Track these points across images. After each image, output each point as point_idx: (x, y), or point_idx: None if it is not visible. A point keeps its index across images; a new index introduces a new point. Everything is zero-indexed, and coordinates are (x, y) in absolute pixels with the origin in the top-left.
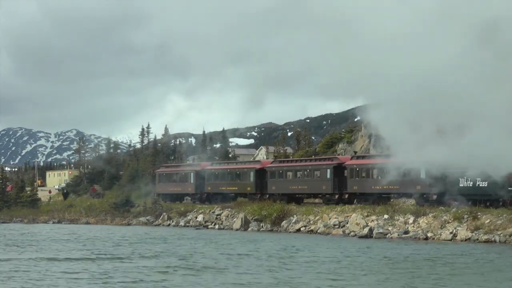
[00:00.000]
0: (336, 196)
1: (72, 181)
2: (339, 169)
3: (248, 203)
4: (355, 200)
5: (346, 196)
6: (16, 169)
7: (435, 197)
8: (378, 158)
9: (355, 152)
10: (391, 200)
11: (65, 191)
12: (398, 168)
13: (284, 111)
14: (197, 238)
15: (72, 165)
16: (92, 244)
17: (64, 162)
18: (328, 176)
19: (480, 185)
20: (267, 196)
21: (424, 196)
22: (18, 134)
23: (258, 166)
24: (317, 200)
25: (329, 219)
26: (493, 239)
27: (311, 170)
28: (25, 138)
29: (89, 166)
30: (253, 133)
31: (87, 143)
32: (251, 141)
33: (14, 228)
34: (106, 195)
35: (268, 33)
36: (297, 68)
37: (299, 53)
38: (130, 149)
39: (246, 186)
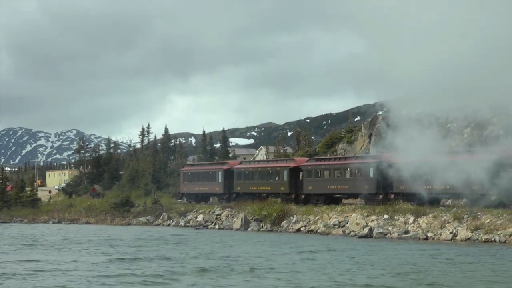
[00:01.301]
0: (380, 197)
1: (72, 181)
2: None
3: (249, 203)
4: (401, 201)
5: (392, 196)
6: (16, 169)
7: (493, 197)
8: (429, 156)
9: None
10: (442, 200)
11: (70, 191)
12: (452, 167)
13: (284, 111)
14: (222, 240)
15: (72, 165)
16: (126, 246)
17: (64, 162)
18: (371, 175)
19: None
20: (303, 196)
21: (482, 196)
22: (18, 134)
23: (292, 164)
24: (358, 201)
25: (329, 219)
26: (493, 239)
27: (352, 168)
28: (25, 138)
29: (89, 166)
30: (253, 133)
31: (87, 143)
32: (251, 141)
33: (35, 229)
34: (106, 195)
35: (269, 33)
36: (299, 67)
37: (300, 53)
38: (130, 149)
39: (280, 185)
